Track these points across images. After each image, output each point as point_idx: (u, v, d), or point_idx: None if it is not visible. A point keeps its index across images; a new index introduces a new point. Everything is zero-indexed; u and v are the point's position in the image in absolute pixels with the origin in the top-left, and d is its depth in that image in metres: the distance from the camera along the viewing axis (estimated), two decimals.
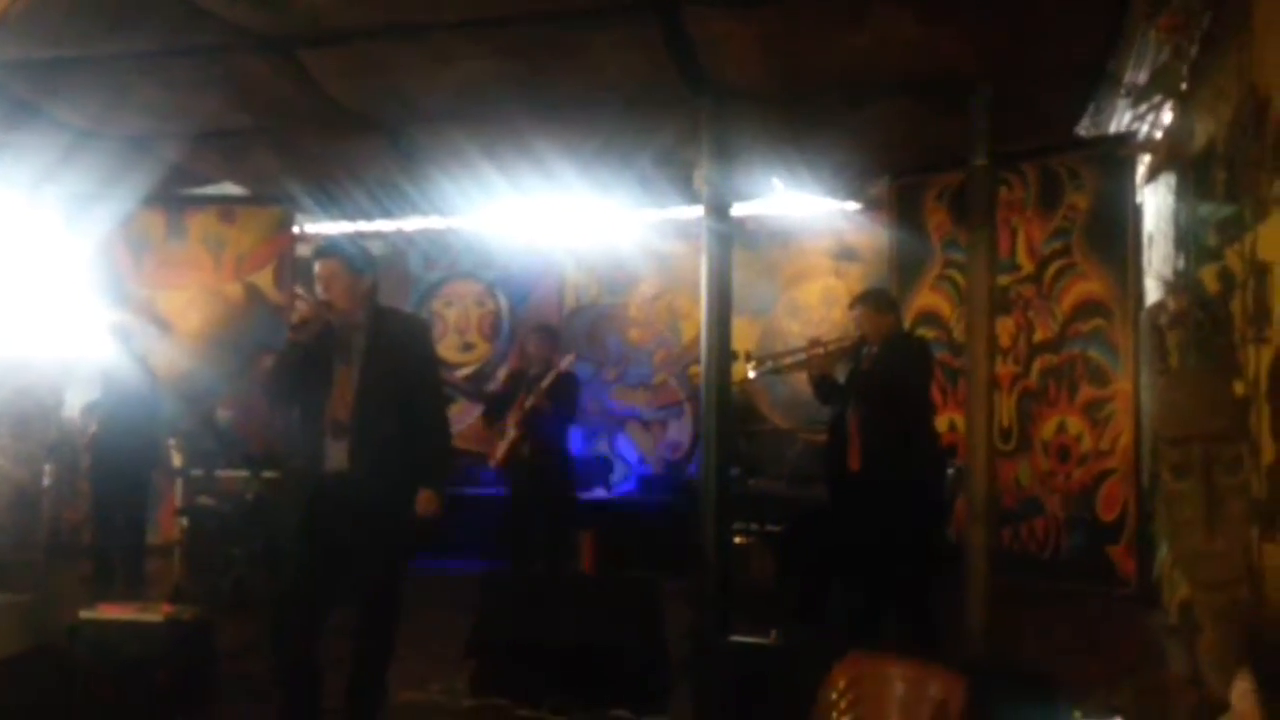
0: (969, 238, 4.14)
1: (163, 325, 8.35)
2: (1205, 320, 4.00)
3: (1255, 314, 4.47)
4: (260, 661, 4.90)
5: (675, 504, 8.07)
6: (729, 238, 4.25)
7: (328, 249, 4.40)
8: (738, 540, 7.15)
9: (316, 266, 4.32)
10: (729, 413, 4.12)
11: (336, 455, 4.25)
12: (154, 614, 4.63)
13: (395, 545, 4.32)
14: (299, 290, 4.41)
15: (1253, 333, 4.45)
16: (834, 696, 3.24)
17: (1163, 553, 3.75)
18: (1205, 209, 4.42)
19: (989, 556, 3.62)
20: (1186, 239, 4.27)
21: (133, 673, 4.42)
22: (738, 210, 8.60)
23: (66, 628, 4.66)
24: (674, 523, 7.33)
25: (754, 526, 6.95)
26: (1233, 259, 4.76)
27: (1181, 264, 4.07)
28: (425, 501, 4.24)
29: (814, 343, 5.71)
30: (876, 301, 5.53)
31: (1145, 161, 6.63)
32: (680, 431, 9.02)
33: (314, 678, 4.30)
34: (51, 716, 3.62)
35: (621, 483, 8.94)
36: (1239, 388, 3.85)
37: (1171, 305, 4.05)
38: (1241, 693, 1.88)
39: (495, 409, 6.96)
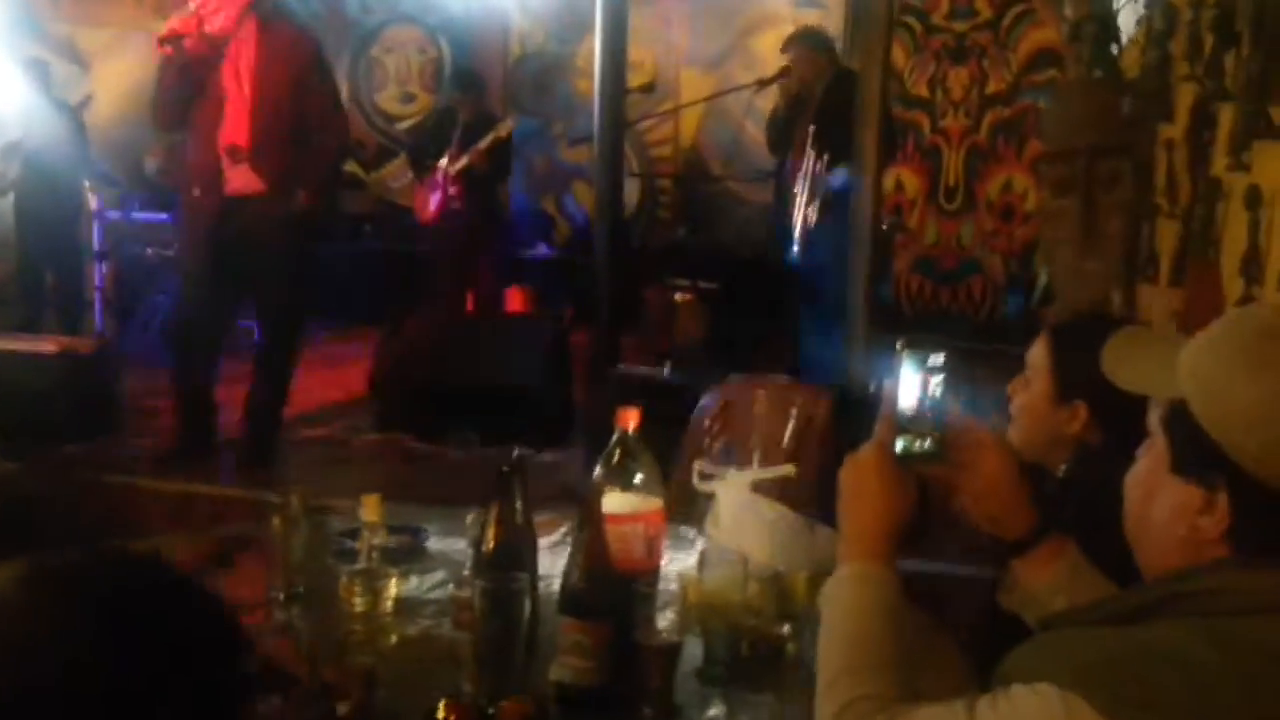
0: None
1: (83, 64, 7.98)
2: (1100, 32, 3.76)
3: (1190, 51, 4.26)
4: (166, 400, 4.88)
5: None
6: None
7: None
8: (677, 298, 7.10)
9: None
10: (621, 160, 4.02)
11: (235, 178, 4.15)
12: (49, 345, 4.54)
13: (296, 266, 4.26)
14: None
15: (1185, 69, 4.25)
16: (707, 422, 3.22)
17: (1042, 280, 3.68)
18: None
19: (870, 283, 3.53)
20: None
21: (27, 403, 4.36)
22: None
23: None
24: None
25: (685, 282, 6.84)
26: None
27: None
28: (300, 200, 4.15)
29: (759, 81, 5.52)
30: (812, 41, 5.26)
31: None
32: (629, 190, 8.77)
33: (211, 405, 4.30)
34: None
35: (566, 240, 8.76)
36: (1126, 103, 3.66)
37: (1069, 13, 3.81)
38: (1036, 349, 1.86)
39: (419, 154, 6.71)
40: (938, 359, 1.45)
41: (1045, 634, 1.30)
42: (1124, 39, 4.35)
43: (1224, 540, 1.17)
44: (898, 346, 1.45)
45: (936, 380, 1.44)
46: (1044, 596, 1.45)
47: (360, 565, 1.83)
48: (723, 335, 6.66)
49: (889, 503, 1.39)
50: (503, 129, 6.54)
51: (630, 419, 1.83)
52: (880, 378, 1.54)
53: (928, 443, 1.43)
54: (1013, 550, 1.48)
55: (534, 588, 1.74)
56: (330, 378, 5.60)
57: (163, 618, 0.87)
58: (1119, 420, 1.89)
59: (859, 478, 1.42)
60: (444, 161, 6.46)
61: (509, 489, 1.69)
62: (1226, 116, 3.70)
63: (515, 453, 1.71)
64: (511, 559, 1.67)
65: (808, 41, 5.22)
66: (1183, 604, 1.15)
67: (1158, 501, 1.24)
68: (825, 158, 5.11)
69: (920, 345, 1.46)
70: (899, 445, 1.43)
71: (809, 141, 5.18)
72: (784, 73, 5.17)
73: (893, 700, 1.24)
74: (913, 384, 1.44)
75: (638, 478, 1.85)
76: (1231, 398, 1.15)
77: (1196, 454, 1.18)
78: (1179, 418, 1.20)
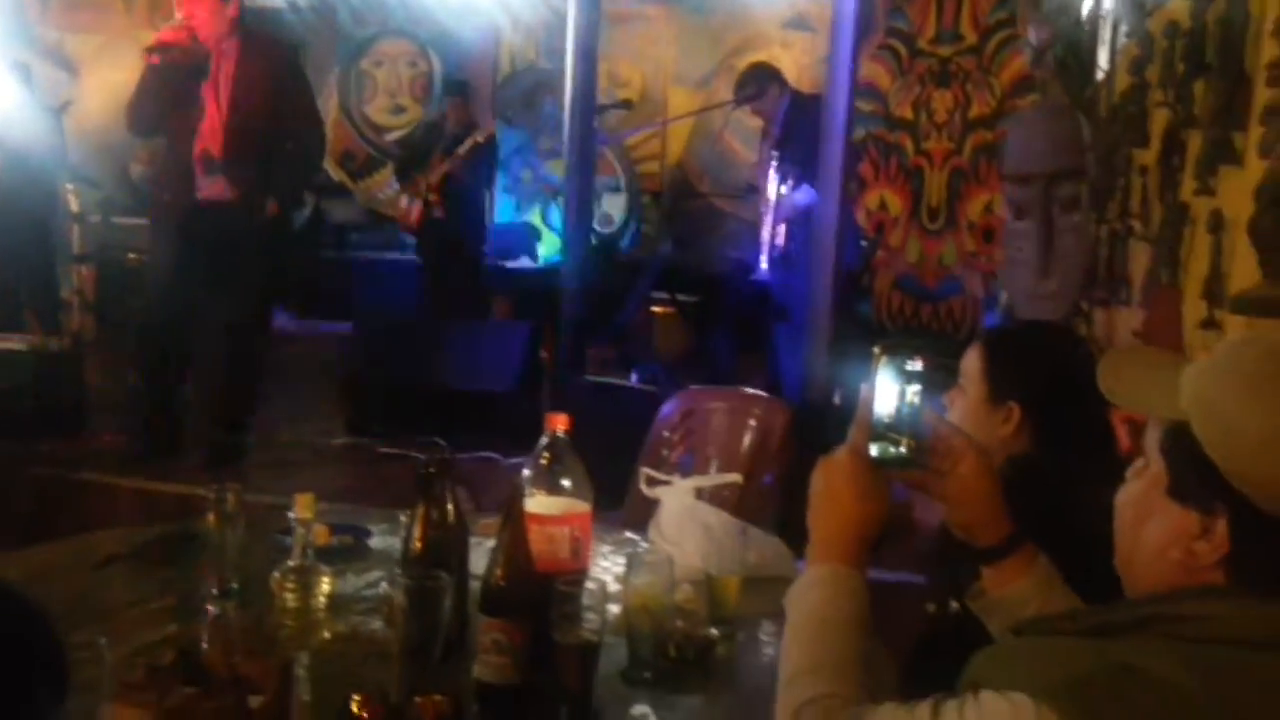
0: None
1: (71, 70, 8.00)
2: (1068, 59, 3.78)
3: (1164, 78, 4.29)
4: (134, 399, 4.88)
5: (603, 277, 7.94)
6: None
7: None
8: (657, 311, 7.15)
9: None
10: (590, 176, 4.10)
11: (207, 186, 4.19)
12: (19, 344, 4.56)
13: (263, 273, 4.29)
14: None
15: (1160, 95, 4.28)
16: (666, 433, 3.22)
17: (1003, 299, 3.68)
18: None
19: (834, 298, 3.54)
20: None
21: None
22: None
23: None
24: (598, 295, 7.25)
25: (665, 296, 6.89)
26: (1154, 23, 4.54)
27: None
28: (269, 209, 4.21)
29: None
30: (761, 77, 5.50)
31: None
32: (614, 205, 8.79)
33: (178, 405, 4.32)
34: None
35: (550, 254, 8.77)
36: (1087, 127, 3.68)
37: (1034, 39, 3.83)
38: (969, 358, 1.93)
39: (405, 163, 6.77)
40: (915, 364, 1.42)
41: (1018, 640, 1.28)
42: (1099, 67, 4.39)
43: (1219, 567, 1.14)
44: (875, 351, 1.42)
45: (914, 386, 1.41)
46: (1012, 605, 1.44)
47: (293, 562, 1.83)
48: (702, 348, 6.69)
49: (861, 507, 1.38)
50: (480, 134, 6.62)
51: (559, 422, 1.84)
52: (848, 388, 1.51)
53: (903, 448, 1.41)
54: (984, 557, 1.47)
55: (463, 587, 1.74)
56: (307, 382, 5.60)
57: None
58: (1050, 420, 1.94)
59: (831, 481, 1.39)
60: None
61: (435, 489, 1.70)
62: (1194, 142, 3.73)
63: (440, 453, 1.71)
64: (436, 558, 1.67)
65: (757, 79, 5.44)
66: (1165, 625, 1.13)
67: (1151, 524, 1.21)
68: (789, 180, 5.24)
69: (898, 350, 1.43)
70: (874, 450, 1.40)
71: (772, 165, 5.35)
72: (758, 93, 5.29)
73: (853, 700, 1.23)
74: (890, 389, 1.41)
75: (566, 481, 1.86)
76: (1239, 425, 1.12)
77: (1197, 479, 1.15)
78: (1179, 441, 1.17)
